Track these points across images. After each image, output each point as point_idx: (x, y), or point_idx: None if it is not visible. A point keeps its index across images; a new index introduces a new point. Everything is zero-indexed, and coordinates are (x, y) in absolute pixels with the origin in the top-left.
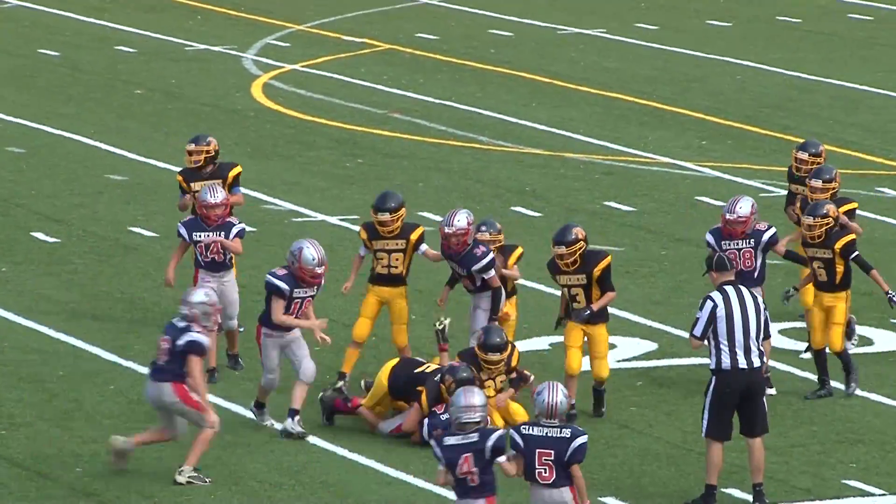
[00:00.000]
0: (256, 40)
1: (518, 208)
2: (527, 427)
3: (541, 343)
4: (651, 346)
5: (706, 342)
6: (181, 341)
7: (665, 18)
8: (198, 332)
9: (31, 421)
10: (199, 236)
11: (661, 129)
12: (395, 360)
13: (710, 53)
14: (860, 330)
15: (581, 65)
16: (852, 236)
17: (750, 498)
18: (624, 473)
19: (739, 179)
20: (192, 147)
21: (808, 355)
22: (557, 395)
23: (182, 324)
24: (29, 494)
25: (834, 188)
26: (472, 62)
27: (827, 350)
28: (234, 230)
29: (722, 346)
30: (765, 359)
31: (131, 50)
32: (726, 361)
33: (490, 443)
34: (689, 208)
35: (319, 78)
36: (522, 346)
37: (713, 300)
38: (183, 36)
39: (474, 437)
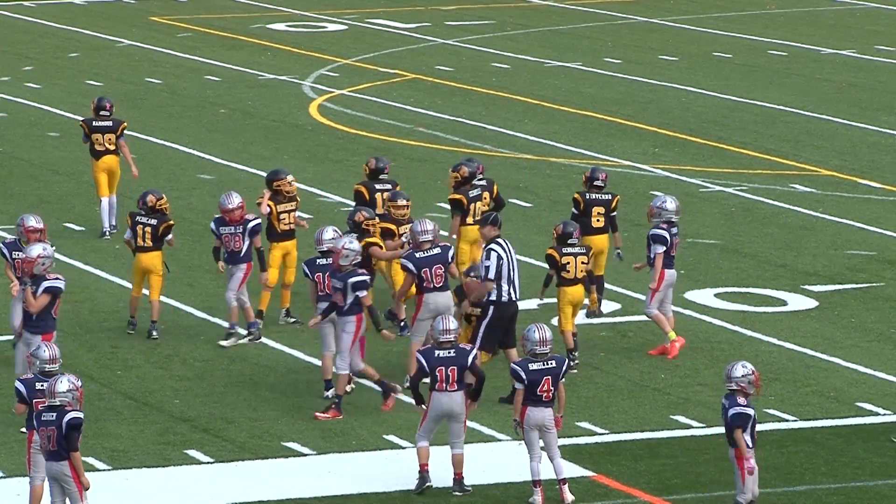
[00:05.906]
0: (313, 71)
1: (514, 200)
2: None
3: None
4: (616, 305)
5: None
6: (65, 422)
7: (627, 54)
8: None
9: (140, 363)
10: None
11: (623, 140)
12: None
13: (661, 81)
14: (779, 294)
15: (562, 90)
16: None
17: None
18: (595, 403)
19: (684, 178)
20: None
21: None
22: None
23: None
24: (139, 420)
25: (455, 176)
26: (478, 88)
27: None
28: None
29: (500, 284)
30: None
31: (217, 79)
32: (502, 296)
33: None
34: (645, 200)
35: (361, 100)
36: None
37: (497, 251)
38: (256, 68)
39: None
